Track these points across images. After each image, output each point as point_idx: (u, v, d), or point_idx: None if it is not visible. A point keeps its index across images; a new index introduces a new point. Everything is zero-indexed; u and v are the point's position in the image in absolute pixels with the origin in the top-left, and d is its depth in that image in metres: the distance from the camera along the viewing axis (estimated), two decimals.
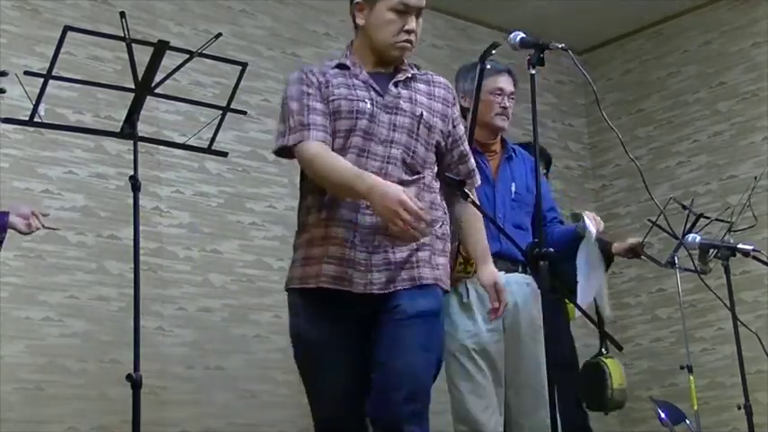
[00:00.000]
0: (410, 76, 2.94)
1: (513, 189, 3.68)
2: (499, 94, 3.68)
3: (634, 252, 4.14)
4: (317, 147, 2.78)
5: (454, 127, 3.01)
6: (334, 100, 2.85)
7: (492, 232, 3.41)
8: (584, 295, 3.69)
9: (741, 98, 6.31)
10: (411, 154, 2.86)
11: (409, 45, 2.90)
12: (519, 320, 3.54)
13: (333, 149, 2.81)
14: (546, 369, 3.51)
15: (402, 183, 2.79)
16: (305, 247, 2.87)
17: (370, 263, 2.77)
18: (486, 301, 3.49)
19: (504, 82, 3.71)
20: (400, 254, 2.80)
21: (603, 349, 4.15)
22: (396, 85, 2.91)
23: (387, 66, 2.93)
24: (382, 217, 2.64)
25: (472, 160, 3.08)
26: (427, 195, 2.88)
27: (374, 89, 2.88)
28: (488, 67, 3.57)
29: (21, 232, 3.51)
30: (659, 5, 6.56)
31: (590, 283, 3.67)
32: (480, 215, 3.05)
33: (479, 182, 3.13)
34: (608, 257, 4.21)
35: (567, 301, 4.30)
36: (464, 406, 3.48)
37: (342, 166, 2.74)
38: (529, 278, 3.57)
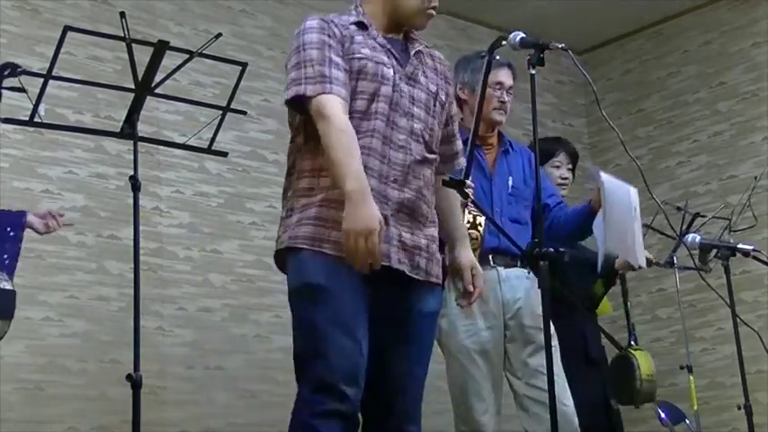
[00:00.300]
0: (421, 48, 2.81)
1: (511, 183, 3.65)
2: (498, 88, 3.64)
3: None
4: (337, 106, 2.56)
5: (450, 104, 2.91)
6: (360, 59, 2.65)
7: (490, 227, 3.40)
8: (602, 256, 3.63)
9: (741, 98, 6.31)
10: (429, 131, 2.73)
11: (434, 13, 2.79)
12: (522, 314, 3.54)
13: (354, 110, 2.61)
14: (568, 364, 3.52)
15: (425, 161, 2.70)
16: (316, 207, 2.60)
17: (401, 239, 2.63)
18: (487, 298, 3.49)
19: (504, 75, 3.67)
20: (419, 239, 2.68)
21: (632, 341, 4.14)
22: (414, 55, 2.76)
23: (398, 32, 2.78)
24: (345, 226, 2.44)
25: (460, 141, 2.98)
26: (433, 178, 2.78)
27: (394, 56, 2.72)
28: (497, 58, 3.46)
29: (38, 232, 3.54)
30: (659, 5, 6.56)
31: (608, 243, 3.60)
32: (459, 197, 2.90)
33: (464, 163, 2.96)
34: (613, 274, 4.19)
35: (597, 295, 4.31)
36: (466, 407, 3.48)
37: (350, 148, 2.51)
38: (528, 271, 3.56)
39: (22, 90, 3.35)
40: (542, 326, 3.41)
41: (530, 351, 3.51)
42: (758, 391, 5.30)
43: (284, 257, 2.67)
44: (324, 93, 2.56)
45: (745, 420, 4.16)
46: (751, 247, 4.30)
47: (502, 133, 3.78)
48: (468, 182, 3.37)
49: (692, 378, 4.45)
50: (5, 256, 3.44)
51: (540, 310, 3.40)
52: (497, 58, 3.48)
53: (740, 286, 5.35)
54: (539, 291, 3.25)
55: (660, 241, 5.14)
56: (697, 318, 6.04)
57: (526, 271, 3.57)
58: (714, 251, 4.27)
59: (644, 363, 4.01)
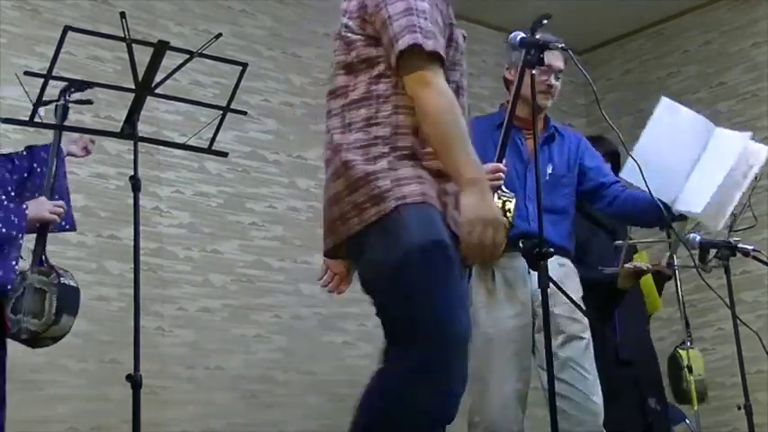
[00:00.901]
0: None
1: (549, 171, 3.49)
2: (546, 71, 3.45)
3: (638, 275, 4.13)
4: (444, 78, 2.27)
5: None
6: (455, 27, 2.40)
7: (521, 212, 3.28)
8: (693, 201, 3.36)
9: (741, 98, 6.31)
10: None
11: None
12: (553, 303, 3.36)
13: (451, 81, 2.35)
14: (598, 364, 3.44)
15: None
16: (418, 168, 2.27)
17: None
18: (516, 285, 3.38)
19: (554, 58, 3.47)
20: None
21: (688, 342, 4.14)
22: None
23: None
24: (472, 214, 2.18)
25: None
26: None
27: None
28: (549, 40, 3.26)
29: (78, 156, 3.60)
30: (659, 5, 6.57)
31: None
32: None
33: None
34: (617, 295, 4.18)
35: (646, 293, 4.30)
36: (483, 400, 3.34)
37: (466, 130, 2.25)
38: (562, 258, 3.40)
39: (89, 102, 3.47)
40: (574, 316, 3.34)
41: (559, 342, 3.33)
42: (758, 391, 5.30)
43: (388, 215, 2.25)
44: (438, 56, 2.26)
45: (746, 420, 4.16)
46: (751, 247, 4.29)
47: (548, 118, 3.60)
48: (502, 165, 3.22)
49: (692, 378, 4.45)
50: (64, 223, 3.50)
51: (574, 297, 3.31)
52: (539, 39, 3.26)
53: (740, 286, 5.34)
54: (574, 275, 3.19)
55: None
56: (697, 318, 6.03)
57: (559, 258, 3.35)
58: (714, 251, 4.26)
59: (692, 363, 4.00)
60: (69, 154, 3.57)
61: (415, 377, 2.14)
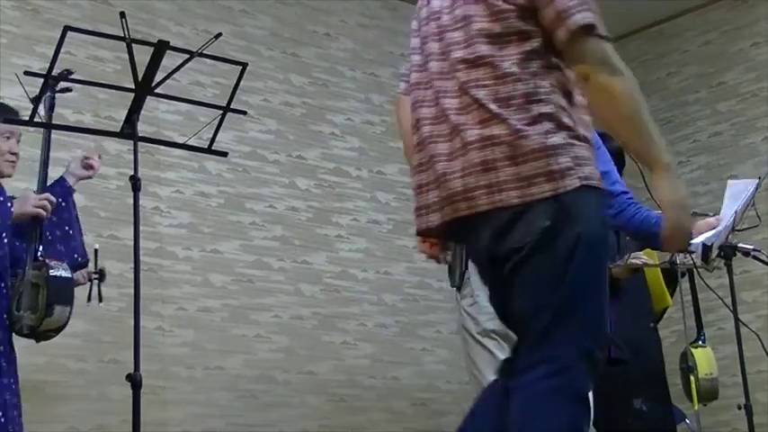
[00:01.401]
0: None
1: None
2: None
3: (636, 270, 4.13)
4: None
5: None
6: None
7: None
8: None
9: (741, 98, 6.32)
10: None
11: None
12: None
13: None
14: None
15: None
16: (588, 149, 2.20)
17: None
18: None
19: None
20: None
21: (701, 341, 4.14)
22: None
23: None
24: (670, 203, 2.12)
25: None
26: None
27: None
28: None
29: (86, 177, 3.62)
30: (659, 5, 6.57)
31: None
32: None
33: None
34: (613, 285, 4.17)
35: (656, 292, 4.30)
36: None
37: (648, 113, 2.18)
38: None
39: (68, 90, 3.50)
40: None
41: None
42: (758, 391, 5.29)
43: (568, 192, 2.13)
44: (608, 39, 2.17)
45: (746, 420, 4.16)
46: (751, 247, 4.29)
47: None
48: None
49: (692, 378, 4.45)
50: (76, 255, 3.54)
51: None
52: None
53: (740, 286, 5.32)
54: None
55: None
56: None
57: None
58: (717, 251, 4.25)
59: (702, 362, 4.00)
60: (82, 179, 3.59)
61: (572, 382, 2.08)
